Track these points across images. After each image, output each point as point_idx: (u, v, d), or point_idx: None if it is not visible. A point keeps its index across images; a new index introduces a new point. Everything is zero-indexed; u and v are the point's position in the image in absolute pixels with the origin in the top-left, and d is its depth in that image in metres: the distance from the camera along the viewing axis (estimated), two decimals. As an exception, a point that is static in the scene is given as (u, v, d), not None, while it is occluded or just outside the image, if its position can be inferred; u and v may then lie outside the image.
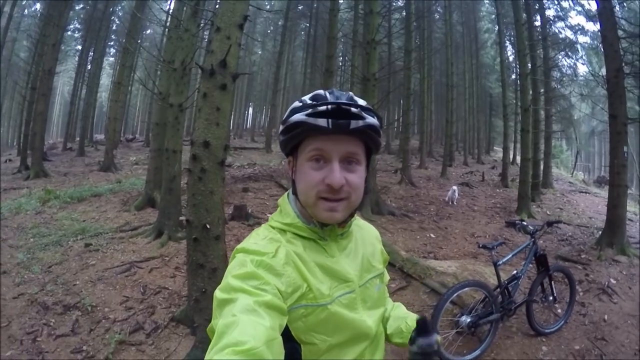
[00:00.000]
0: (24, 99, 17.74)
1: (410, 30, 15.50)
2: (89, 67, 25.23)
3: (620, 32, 7.67)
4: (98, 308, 4.27)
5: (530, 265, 4.36)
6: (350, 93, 0.95)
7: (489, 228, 8.56)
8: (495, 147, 31.18)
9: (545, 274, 4.16)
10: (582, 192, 15.62)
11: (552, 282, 4.27)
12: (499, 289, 3.88)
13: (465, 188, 13.61)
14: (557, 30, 18.64)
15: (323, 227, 0.96)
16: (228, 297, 0.74)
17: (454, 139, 23.97)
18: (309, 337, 0.86)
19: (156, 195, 8.25)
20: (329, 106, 0.86)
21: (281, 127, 0.95)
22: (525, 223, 4.41)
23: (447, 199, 11.14)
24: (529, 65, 12.67)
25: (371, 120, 0.89)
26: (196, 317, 3.64)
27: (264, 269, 0.81)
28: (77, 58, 28.34)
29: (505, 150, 16.88)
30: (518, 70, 11.43)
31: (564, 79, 19.02)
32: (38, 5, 22.58)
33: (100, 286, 4.76)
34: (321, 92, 0.94)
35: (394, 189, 12.59)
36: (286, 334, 0.77)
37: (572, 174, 25.91)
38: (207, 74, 3.69)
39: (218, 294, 0.77)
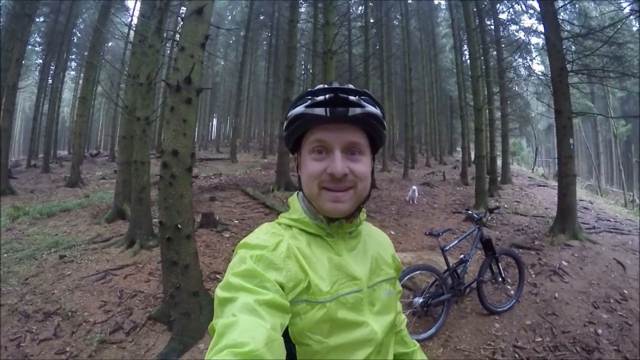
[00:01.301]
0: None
1: (368, 39, 15.99)
2: (51, 81, 24.67)
3: (565, 33, 8.20)
4: (78, 313, 4.41)
5: (478, 250, 4.78)
6: (351, 85, 0.93)
7: (447, 223, 8.86)
8: (457, 148, 31.53)
9: (493, 257, 4.52)
10: (541, 186, 15.90)
11: (499, 264, 4.63)
12: (448, 272, 4.25)
13: (427, 187, 13.90)
14: (510, 33, 19.32)
15: (330, 223, 0.93)
16: (229, 296, 0.73)
17: (415, 141, 24.50)
18: (304, 337, 0.81)
19: (126, 207, 8.31)
20: (327, 95, 0.86)
21: (285, 124, 0.95)
22: (470, 212, 4.87)
23: (407, 198, 11.42)
24: (483, 67, 13.30)
25: (371, 108, 0.89)
26: (172, 312, 3.91)
27: (263, 264, 0.80)
28: (37, 72, 27.66)
29: (464, 149, 17.39)
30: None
31: (517, 78, 19.67)
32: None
33: (78, 293, 4.89)
34: (322, 85, 0.93)
35: (355, 191, 12.84)
36: (283, 334, 0.73)
37: (533, 169, 26.57)
38: (173, 89, 4.02)
39: (219, 292, 0.75)
